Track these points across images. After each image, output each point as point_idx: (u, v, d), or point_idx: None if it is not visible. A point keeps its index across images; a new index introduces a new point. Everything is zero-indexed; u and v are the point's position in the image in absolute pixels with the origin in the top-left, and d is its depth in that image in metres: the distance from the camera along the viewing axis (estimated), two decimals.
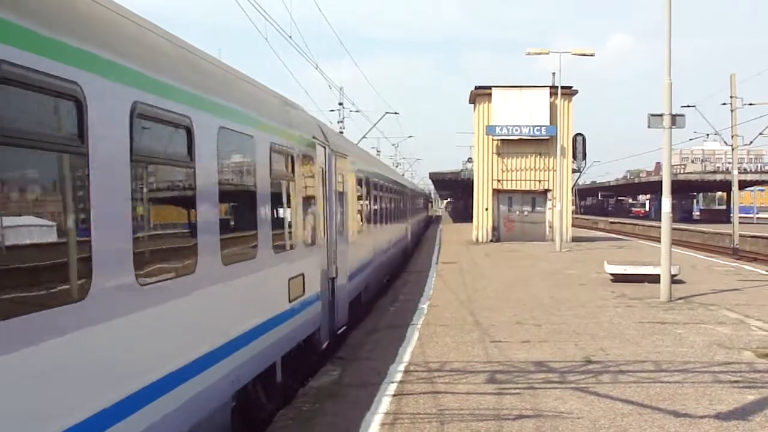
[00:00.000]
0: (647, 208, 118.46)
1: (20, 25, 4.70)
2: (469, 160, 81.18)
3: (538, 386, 10.58)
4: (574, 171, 50.07)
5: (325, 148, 13.79)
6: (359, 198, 19.11)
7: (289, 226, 11.04)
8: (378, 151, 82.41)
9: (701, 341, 13.79)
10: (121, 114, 5.87)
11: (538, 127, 44.28)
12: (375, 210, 23.01)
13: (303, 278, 11.42)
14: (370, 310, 19.66)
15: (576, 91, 45.55)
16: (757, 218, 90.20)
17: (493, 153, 45.67)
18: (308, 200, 12.13)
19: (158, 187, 7.06)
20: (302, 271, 11.39)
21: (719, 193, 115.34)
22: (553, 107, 43.91)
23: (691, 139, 62.77)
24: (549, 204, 44.80)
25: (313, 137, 12.84)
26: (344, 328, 15.63)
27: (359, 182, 19.03)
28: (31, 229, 4.99)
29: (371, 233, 21.60)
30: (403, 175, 77.10)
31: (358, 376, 11.69)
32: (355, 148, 22.46)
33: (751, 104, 48.32)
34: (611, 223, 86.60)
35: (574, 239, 45.14)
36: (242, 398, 9.09)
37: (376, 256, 22.64)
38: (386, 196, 27.25)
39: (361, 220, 19.57)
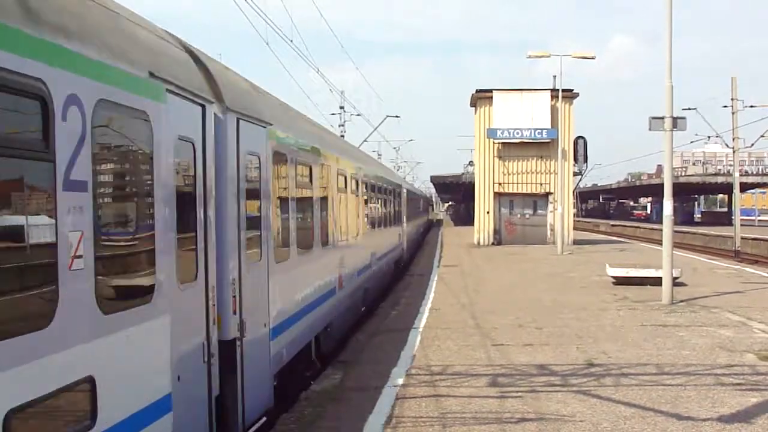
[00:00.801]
0: (648, 211, 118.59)
1: None
2: (471, 163, 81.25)
3: (540, 389, 10.56)
4: (575, 174, 50.18)
5: (204, 106, 7.56)
6: (306, 198, 12.48)
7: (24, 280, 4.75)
8: (379, 155, 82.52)
9: (703, 344, 13.77)
10: None
11: (539, 130, 44.32)
12: (342, 215, 16.31)
13: (92, 388, 5.16)
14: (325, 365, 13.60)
15: (577, 94, 45.62)
16: (759, 221, 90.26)
17: (494, 156, 45.72)
18: (129, 209, 6.22)
19: None
20: (89, 372, 5.12)
21: (720, 195, 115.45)
22: (554, 110, 43.94)
23: (692, 142, 62.57)
24: (550, 207, 44.81)
25: (155, 75, 6.28)
26: (263, 421, 9.21)
27: (308, 173, 12.57)
28: None
29: (334, 249, 15.04)
30: (405, 177, 76.27)
31: (360, 380, 11.68)
32: (298, 117, 14.10)
33: (752, 106, 48.44)
34: (612, 225, 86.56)
35: (576, 242, 45.13)
36: None
37: (347, 280, 16.40)
38: (366, 196, 20.69)
39: (312, 232, 12.85)
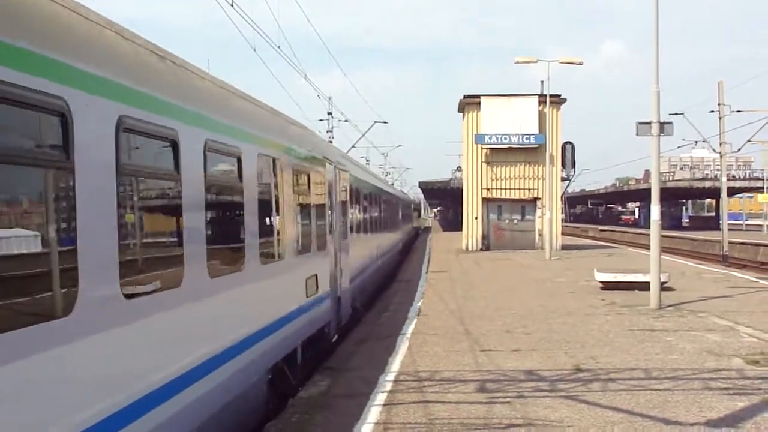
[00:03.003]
0: (636, 216, 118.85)
1: None
2: (459, 168, 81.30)
3: (528, 395, 10.55)
4: (563, 179, 50.25)
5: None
6: None
7: None
8: (367, 161, 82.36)
9: (691, 348, 13.78)
10: None
11: (527, 136, 44.42)
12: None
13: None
14: None
15: (564, 100, 45.76)
16: (746, 225, 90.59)
17: (482, 162, 45.78)
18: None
19: None
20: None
21: (708, 200, 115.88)
22: (541, 116, 44.04)
23: (679, 147, 63.03)
24: (538, 212, 44.89)
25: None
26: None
27: None
28: None
29: None
30: (392, 184, 74.75)
31: (348, 386, 11.64)
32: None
33: (738, 111, 48.58)
34: (601, 230, 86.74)
35: (564, 247, 45.18)
36: None
37: None
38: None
39: None
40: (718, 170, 64.82)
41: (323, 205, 14.76)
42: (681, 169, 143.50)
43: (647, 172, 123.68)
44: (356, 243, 20.47)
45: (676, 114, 49.08)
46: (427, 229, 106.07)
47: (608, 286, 23.20)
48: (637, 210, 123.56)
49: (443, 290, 24.06)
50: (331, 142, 47.52)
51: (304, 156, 13.32)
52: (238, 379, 9.13)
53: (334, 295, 15.77)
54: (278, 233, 11.24)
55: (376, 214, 28.11)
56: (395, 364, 12.77)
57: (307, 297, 12.84)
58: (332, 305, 15.37)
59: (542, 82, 43.37)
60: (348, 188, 18.94)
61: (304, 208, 13.15)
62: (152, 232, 7.56)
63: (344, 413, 9.94)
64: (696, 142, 57.47)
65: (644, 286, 20.63)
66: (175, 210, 7.61)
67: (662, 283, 19.99)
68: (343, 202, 17.69)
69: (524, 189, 45.63)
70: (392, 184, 70.44)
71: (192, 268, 7.74)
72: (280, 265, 11.23)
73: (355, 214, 20.56)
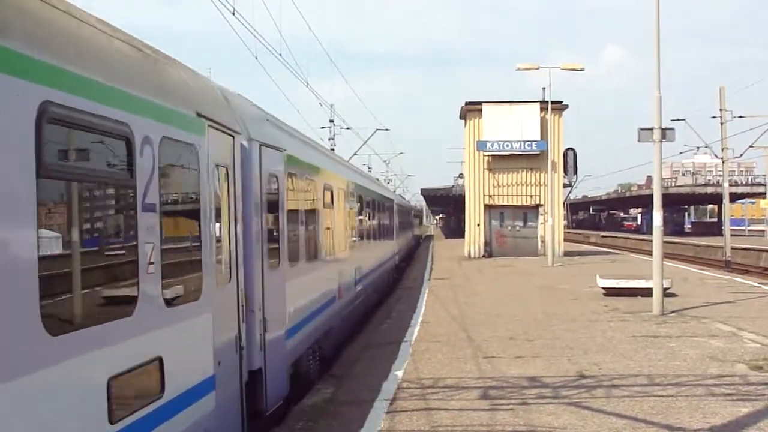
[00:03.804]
0: (639, 222, 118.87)
1: None
2: (461, 176, 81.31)
3: (532, 402, 10.53)
4: (565, 185, 50.34)
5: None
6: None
7: None
8: (369, 168, 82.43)
9: (694, 354, 13.77)
10: None
11: (529, 142, 44.49)
12: None
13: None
14: None
15: (566, 106, 45.86)
16: (749, 230, 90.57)
17: (484, 168, 45.84)
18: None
19: None
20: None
21: (710, 206, 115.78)
22: (543, 122, 44.10)
23: (681, 153, 62.85)
24: (541, 219, 44.91)
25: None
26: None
27: None
28: None
29: None
30: (395, 191, 74.05)
31: (352, 394, 11.63)
32: None
33: (740, 117, 48.71)
34: (603, 237, 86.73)
35: (566, 254, 45.20)
36: None
37: None
38: None
39: None
40: (720, 176, 64.79)
41: (199, 213, 7.62)
42: (683, 174, 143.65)
43: (649, 178, 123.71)
44: (307, 269, 12.91)
45: (678, 120, 49.07)
46: (429, 237, 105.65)
47: (611, 292, 23.19)
48: (639, 216, 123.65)
49: (446, 297, 24.06)
50: (332, 149, 47.36)
51: (143, 108, 6.23)
52: None
53: (237, 375, 8.75)
54: None
55: (354, 223, 20.56)
56: (398, 371, 12.76)
57: (110, 425, 5.38)
58: (230, 397, 8.46)
59: (544, 88, 43.43)
60: (289, 182, 11.60)
61: (120, 221, 6.25)
62: None
63: (348, 420, 9.93)
64: (698, 147, 57.46)
65: (647, 293, 20.61)
66: None
67: (665, 289, 19.99)
68: (274, 206, 10.59)
69: (526, 195, 45.68)
70: (394, 191, 69.86)
71: None
72: None
73: (306, 225, 12.97)
